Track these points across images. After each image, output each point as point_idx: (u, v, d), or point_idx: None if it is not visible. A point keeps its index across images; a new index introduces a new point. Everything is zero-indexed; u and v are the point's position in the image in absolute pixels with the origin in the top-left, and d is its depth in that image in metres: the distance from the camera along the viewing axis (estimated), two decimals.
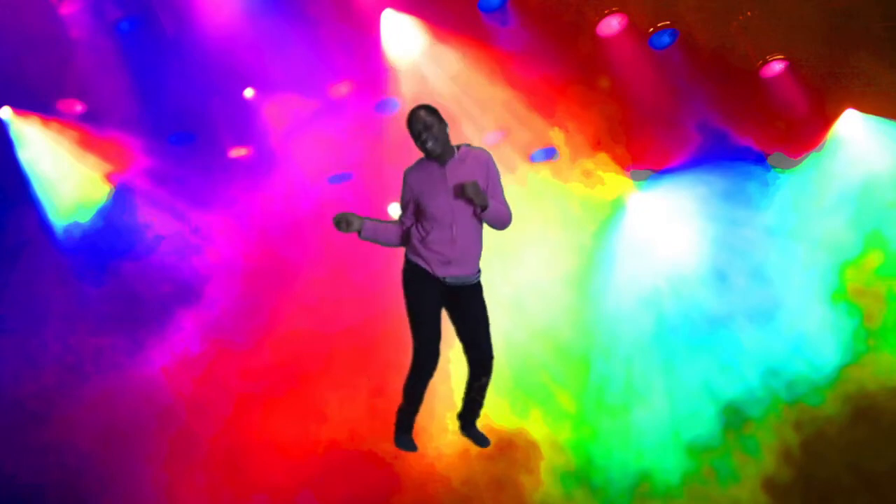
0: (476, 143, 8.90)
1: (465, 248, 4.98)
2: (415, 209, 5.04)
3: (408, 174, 5.06)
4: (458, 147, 5.01)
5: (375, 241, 5.11)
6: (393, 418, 5.25)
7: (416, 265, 5.01)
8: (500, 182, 5.05)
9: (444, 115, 4.99)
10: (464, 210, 4.92)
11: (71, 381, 8.60)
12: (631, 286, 9.14)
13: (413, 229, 5.05)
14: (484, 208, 4.87)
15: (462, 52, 8.86)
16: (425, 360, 5.01)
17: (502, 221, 5.02)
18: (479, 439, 5.34)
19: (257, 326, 9.03)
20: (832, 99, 9.07)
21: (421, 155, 5.03)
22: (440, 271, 4.98)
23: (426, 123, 4.87)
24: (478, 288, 5.13)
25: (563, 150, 9.08)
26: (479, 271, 5.11)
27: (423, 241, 4.98)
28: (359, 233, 5.01)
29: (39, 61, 8.44)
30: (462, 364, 5.15)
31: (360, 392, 8.92)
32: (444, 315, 5.12)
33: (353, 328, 8.91)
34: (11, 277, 8.56)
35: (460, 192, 4.84)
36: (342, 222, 4.95)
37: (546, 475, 8.73)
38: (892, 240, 8.90)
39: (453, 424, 5.02)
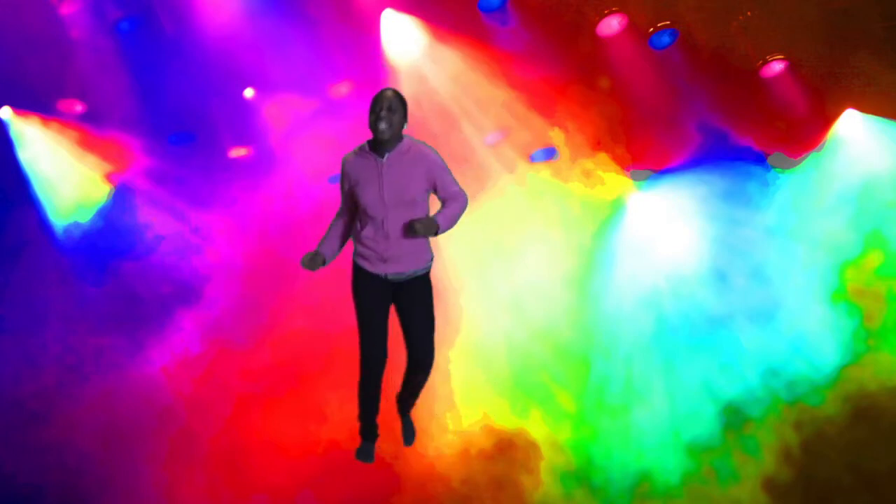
0: (476, 142, 8.94)
1: (401, 245, 4.72)
2: (350, 201, 4.84)
3: (345, 161, 4.85)
4: (402, 138, 4.74)
5: (340, 252, 4.94)
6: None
7: (357, 263, 4.83)
8: (446, 172, 4.74)
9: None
10: (398, 206, 4.68)
11: (71, 381, 8.60)
12: (631, 286, 9.14)
13: (354, 224, 4.86)
14: (436, 233, 4.63)
15: (462, 52, 8.86)
16: (369, 365, 4.85)
17: (458, 217, 4.72)
18: (407, 430, 5.25)
19: (257, 326, 9.03)
20: (832, 99, 9.07)
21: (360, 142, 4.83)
22: (379, 268, 4.77)
23: (391, 106, 4.64)
24: (422, 283, 4.86)
25: (563, 150, 9.08)
26: (424, 265, 4.85)
27: (358, 236, 4.81)
28: (324, 262, 4.83)
29: (39, 61, 8.45)
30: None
31: None
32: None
33: (353, 328, 8.87)
34: (11, 277, 8.56)
35: (412, 233, 4.62)
36: (308, 263, 4.78)
37: (546, 475, 8.73)
38: (892, 240, 8.90)
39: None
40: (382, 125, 4.62)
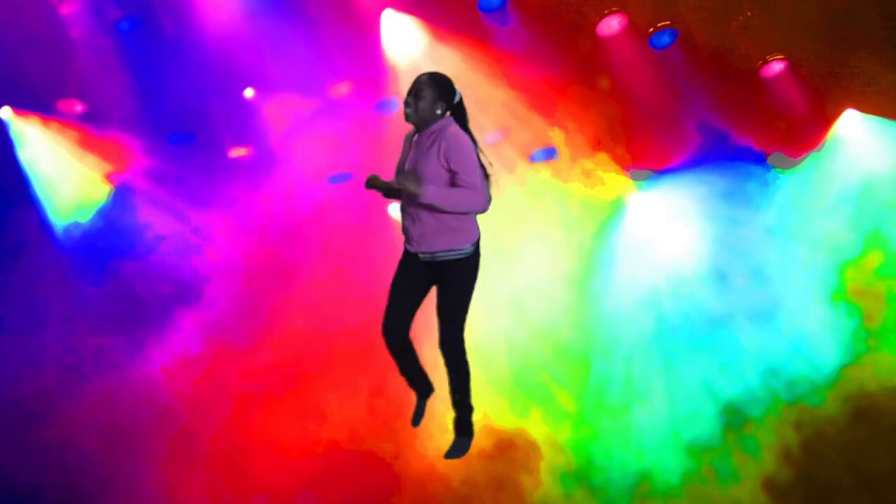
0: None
1: (423, 224, 4.64)
2: None
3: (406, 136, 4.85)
4: (441, 120, 4.68)
5: None
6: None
7: None
8: (465, 159, 4.55)
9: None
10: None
11: (71, 381, 8.60)
12: (631, 286, 9.14)
13: None
14: (415, 197, 4.46)
15: (462, 52, 8.86)
16: (385, 339, 4.87)
17: (457, 201, 4.52)
18: (453, 448, 4.90)
19: (257, 326, 9.03)
20: (832, 99, 9.06)
21: None
22: (410, 245, 4.75)
23: (418, 92, 4.65)
24: (457, 268, 4.71)
25: (563, 150, 9.08)
26: (456, 249, 4.67)
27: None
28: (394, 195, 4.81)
29: (39, 61, 8.44)
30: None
31: (360, 392, 8.91)
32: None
33: (353, 328, 8.91)
34: (11, 277, 8.55)
35: (401, 182, 4.52)
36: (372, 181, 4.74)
37: (546, 475, 8.73)
38: (892, 240, 8.90)
39: (453, 424, 4.98)
40: (407, 111, 4.69)
